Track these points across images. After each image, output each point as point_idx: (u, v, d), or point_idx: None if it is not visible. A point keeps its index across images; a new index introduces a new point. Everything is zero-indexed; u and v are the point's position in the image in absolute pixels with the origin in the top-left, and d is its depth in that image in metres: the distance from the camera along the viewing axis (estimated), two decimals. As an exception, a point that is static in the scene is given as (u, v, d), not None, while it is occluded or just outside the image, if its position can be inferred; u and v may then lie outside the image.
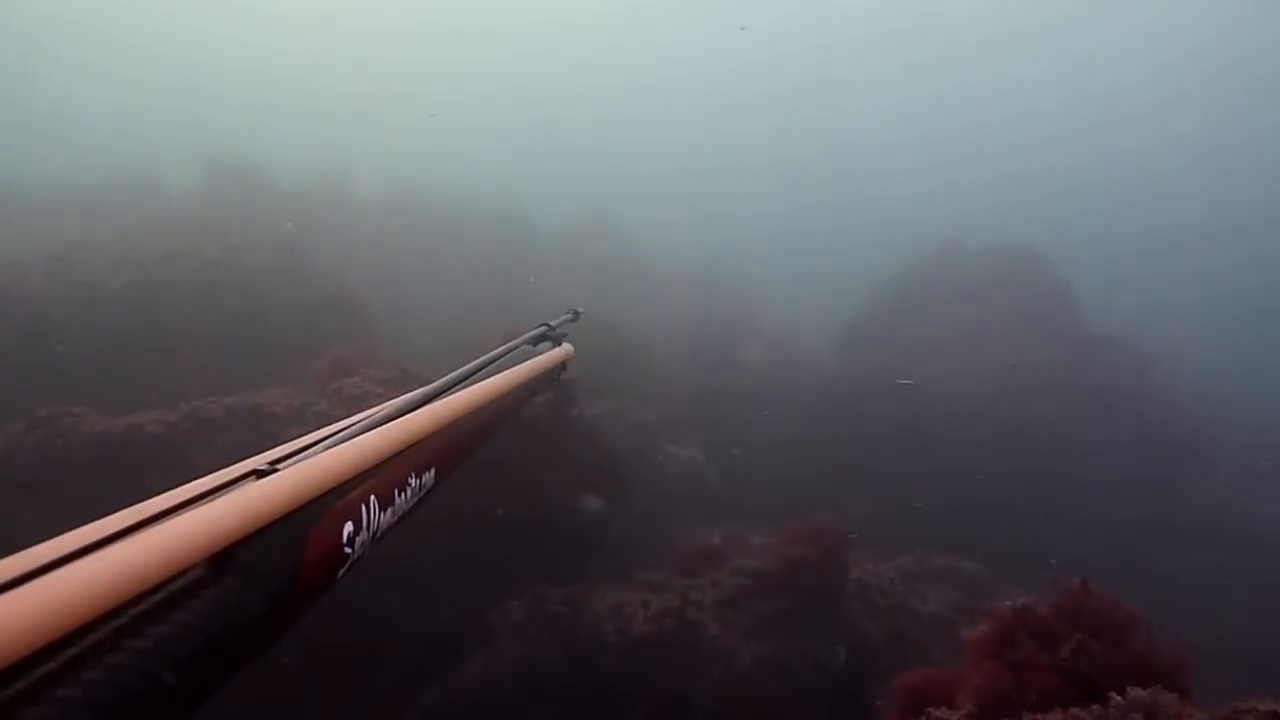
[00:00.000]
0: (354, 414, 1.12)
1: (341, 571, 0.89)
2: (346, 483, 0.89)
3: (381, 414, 1.09)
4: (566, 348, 2.07)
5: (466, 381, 1.39)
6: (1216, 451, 11.16)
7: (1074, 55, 38.81)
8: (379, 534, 0.97)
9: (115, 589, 0.55)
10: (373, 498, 0.95)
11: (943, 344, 11.13)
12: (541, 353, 1.90)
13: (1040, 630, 3.20)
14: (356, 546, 0.91)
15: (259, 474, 0.80)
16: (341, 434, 0.98)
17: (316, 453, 0.89)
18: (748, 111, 39.15)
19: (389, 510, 1.00)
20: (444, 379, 1.32)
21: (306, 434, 0.99)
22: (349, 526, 0.89)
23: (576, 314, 2.25)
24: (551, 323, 2.06)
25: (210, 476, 0.82)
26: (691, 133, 36.87)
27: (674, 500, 8.75)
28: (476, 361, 1.48)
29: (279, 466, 0.83)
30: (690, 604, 5.74)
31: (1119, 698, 2.40)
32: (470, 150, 28.40)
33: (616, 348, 10.80)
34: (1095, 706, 2.41)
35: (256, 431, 6.26)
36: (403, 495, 1.04)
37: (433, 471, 1.16)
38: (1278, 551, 9.01)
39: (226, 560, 0.68)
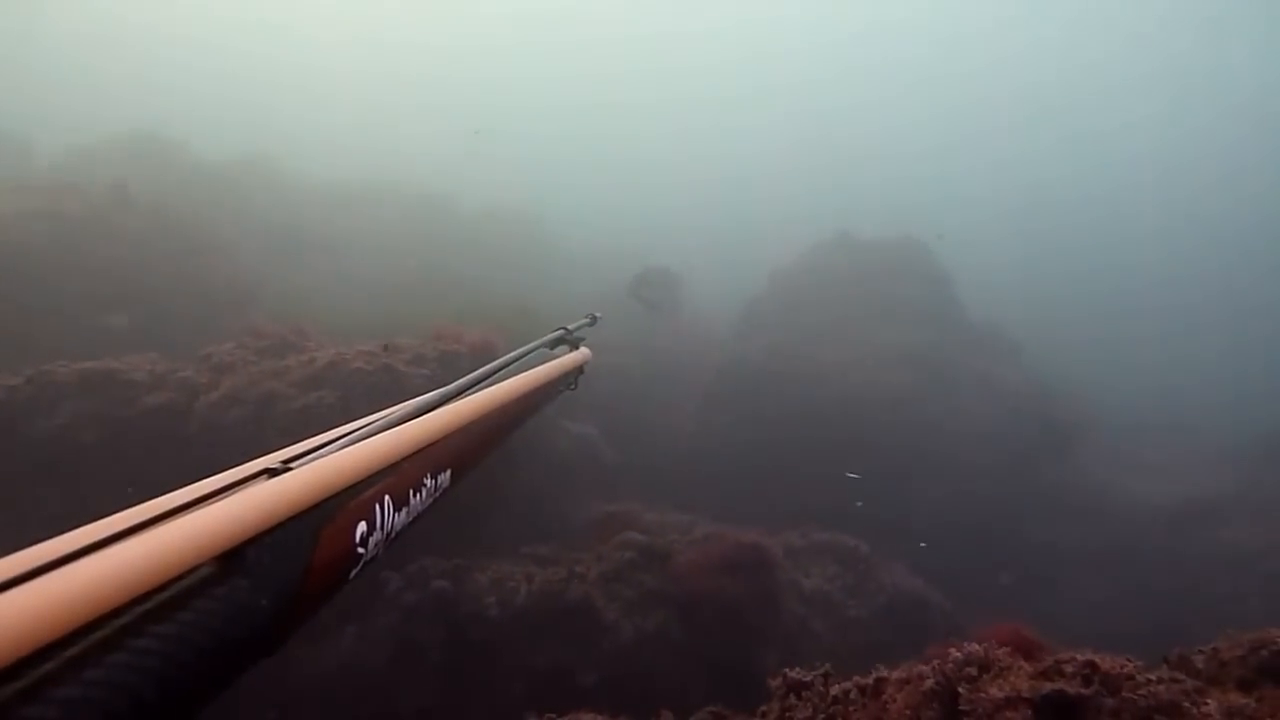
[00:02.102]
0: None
1: (354, 572, 0.89)
2: (360, 482, 0.89)
3: (398, 414, 1.09)
4: (584, 351, 2.11)
5: (484, 383, 1.40)
6: (1078, 432, 11.90)
7: (947, 49, 40.22)
8: (393, 534, 0.98)
9: (122, 587, 0.55)
10: (387, 498, 0.95)
11: (834, 329, 11.50)
12: (558, 356, 1.93)
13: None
14: (370, 547, 0.91)
15: (271, 472, 0.80)
16: (357, 433, 0.98)
17: (330, 451, 0.89)
18: (675, 107, 39.40)
19: (403, 511, 1.00)
20: (461, 380, 1.32)
21: (311, 436, 0.99)
22: (362, 526, 0.89)
23: (594, 318, 2.30)
24: (569, 326, 2.09)
25: (222, 475, 0.82)
26: (619, 127, 36.86)
27: (566, 476, 8.80)
28: (494, 364, 1.49)
29: (292, 465, 0.82)
30: (575, 577, 5.82)
31: (957, 652, 2.58)
32: (399, 133, 27.72)
33: (528, 330, 10.83)
34: (935, 661, 2.58)
35: (111, 398, 5.99)
36: (418, 496, 1.05)
37: (448, 472, 1.16)
38: (1127, 522, 9.84)
39: (236, 559, 0.68)
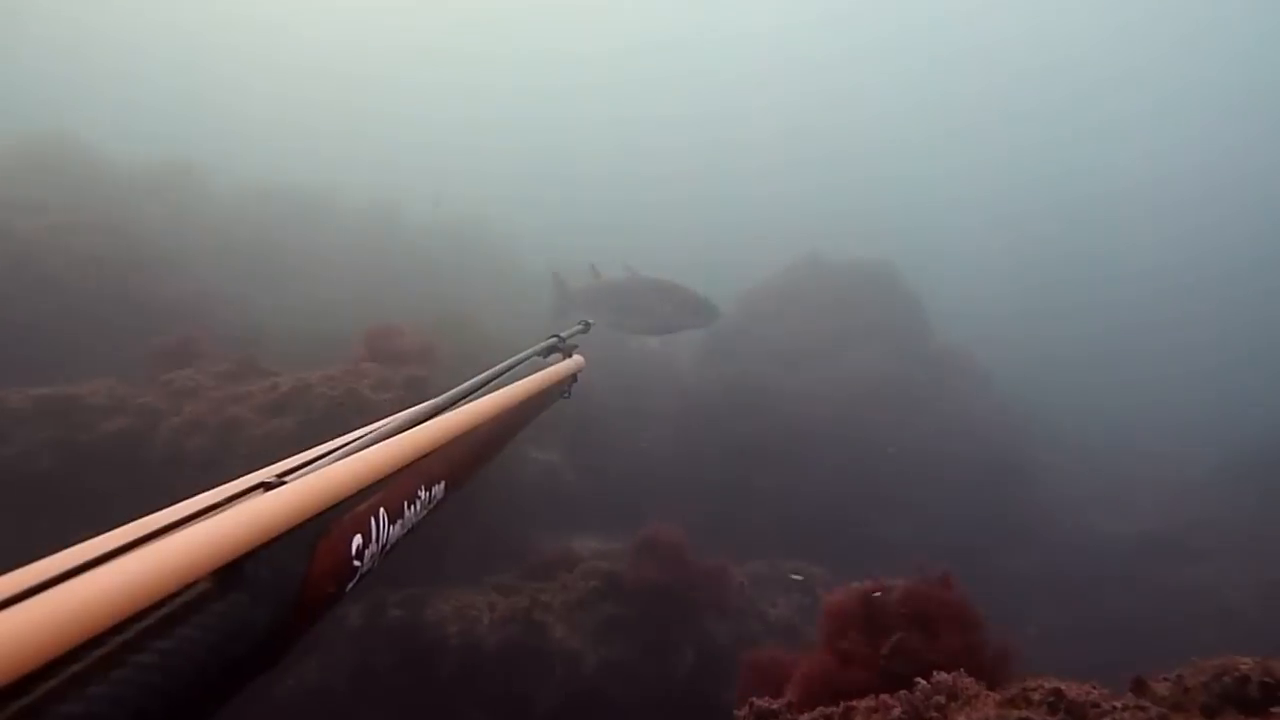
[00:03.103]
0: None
1: (350, 585, 0.90)
2: (356, 495, 0.89)
3: (392, 425, 1.09)
4: (578, 359, 2.10)
5: (477, 393, 1.39)
6: (1047, 461, 12.10)
7: (927, 73, 41.06)
8: (388, 546, 0.98)
9: (120, 603, 0.55)
10: (382, 510, 0.96)
11: (803, 355, 11.59)
12: (552, 364, 1.93)
13: (878, 620, 3.40)
14: (365, 559, 0.91)
15: (267, 486, 0.81)
16: (351, 446, 0.98)
17: (325, 465, 0.89)
18: (644, 124, 39.65)
19: (398, 523, 1.01)
20: (454, 390, 1.32)
21: (314, 446, 0.99)
22: (358, 539, 0.90)
23: (587, 325, 2.29)
24: (562, 334, 2.08)
25: (216, 490, 0.82)
26: (585, 144, 37.03)
27: (530, 504, 8.76)
28: (487, 373, 1.49)
29: (287, 479, 0.83)
30: (538, 606, 5.79)
31: (925, 682, 2.61)
32: (343, 143, 27.52)
33: (477, 347, 10.72)
34: (903, 692, 2.61)
35: (69, 425, 5.89)
36: (412, 508, 1.05)
37: (442, 484, 1.17)
38: (1092, 553, 10.01)
39: (233, 574, 0.68)
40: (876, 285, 12.97)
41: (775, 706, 2.89)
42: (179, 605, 0.63)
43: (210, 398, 6.18)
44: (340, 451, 0.96)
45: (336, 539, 0.86)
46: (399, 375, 6.92)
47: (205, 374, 6.62)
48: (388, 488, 0.98)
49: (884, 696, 2.69)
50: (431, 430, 1.13)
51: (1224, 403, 16.91)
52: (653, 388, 12.03)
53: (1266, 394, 16.18)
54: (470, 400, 1.34)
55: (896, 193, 33.56)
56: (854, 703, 2.73)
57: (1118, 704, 2.35)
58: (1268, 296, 24.37)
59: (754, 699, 2.93)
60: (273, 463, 0.94)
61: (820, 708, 2.82)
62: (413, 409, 1.20)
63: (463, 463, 1.27)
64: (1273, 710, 2.27)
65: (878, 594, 3.49)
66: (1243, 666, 2.38)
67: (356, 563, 0.89)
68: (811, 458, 10.20)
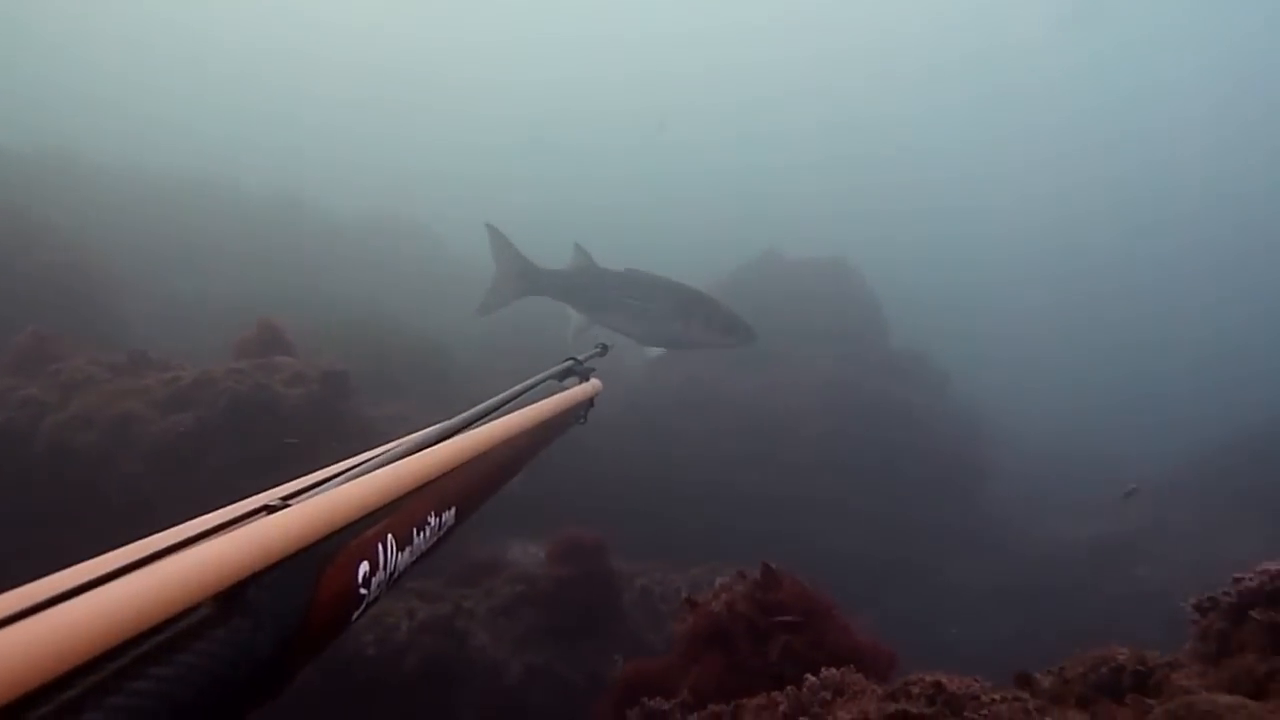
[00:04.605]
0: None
1: (356, 614, 0.88)
2: (362, 520, 0.88)
3: (401, 448, 1.08)
4: (595, 383, 2.08)
5: (490, 416, 1.37)
6: (999, 466, 12.28)
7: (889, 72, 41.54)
8: (395, 575, 0.96)
9: (118, 626, 0.54)
10: (390, 536, 0.94)
11: (756, 355, 11.65)
12: (568, 388, 1.91)
13: (748, 626, 3.43)
14: (372, 588, 0.90)
15: (270, 509, 0.79)
16: (358, 468, 0.97)
17: (332, 487, 0.88)
18: (603, 120, 39.65)
19: (407, 550, 0.99)
20: (466, 413, 1.31)
21: (321, 469, 0.98)
22: (365, 567, 0.88)
23: (605, 348, 2.29)
24: (579, 357, 2.07)
25: (219, 512, 0.81)
26: (535, 140, 36.86)
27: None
28: (500, 396, 1.48)
29: (291, 502, 0.81)
30: (461, 613, 5.76)
31: (813, 678, 2.65)
32: (250, 132, 27.13)
33: (407, 349, 10.71)
34: (790, 688, 2.64)
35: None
36: (421, 535, 1.03)
37: (453, 510, 1.15)
38: (1041, 559, 10.19)
39: (235, 599, 0.67)
40: (833, 283, 13.08)
41: (666, 706, 2.91)
42: (179, 630, 0.62)
43: (102, 391, 6.02)
44: (347, 475, 0.95)
45: (342, 565, 0.84)
46: (315, 369, 6.82)
47: (98, 365, 6.42)
48: (396, 513, 0.97)
49: (774, 694, 2.72)
50: (442, 454, 1.11)
51: (1181, 407, 17.27)
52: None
53: (1223, 399, 16.56)
54: (483, 424, 1.33)
55: (854, 190, 33.77)
56: (744, 700, 2.76)
57: (996, 696, 2.41)
58: (1223, 304, 24.95)
59: (645, 699, 2.95)
60: (273, 486, 0.93)
61: (711, 706, 2.85)
62: (423, 431, 1.18)
63: (475, 489, 1.26)
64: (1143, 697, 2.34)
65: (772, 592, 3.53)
66: (1119, 657, 2.45)
67: (363, 591, 0.88)
68: (764, 462, 10.27)
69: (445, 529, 1.13)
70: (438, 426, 1.22)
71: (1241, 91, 37.39)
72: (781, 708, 2.59)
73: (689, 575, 7.96)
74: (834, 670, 2.67)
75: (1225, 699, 2.09)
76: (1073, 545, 10.89)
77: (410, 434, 1.17)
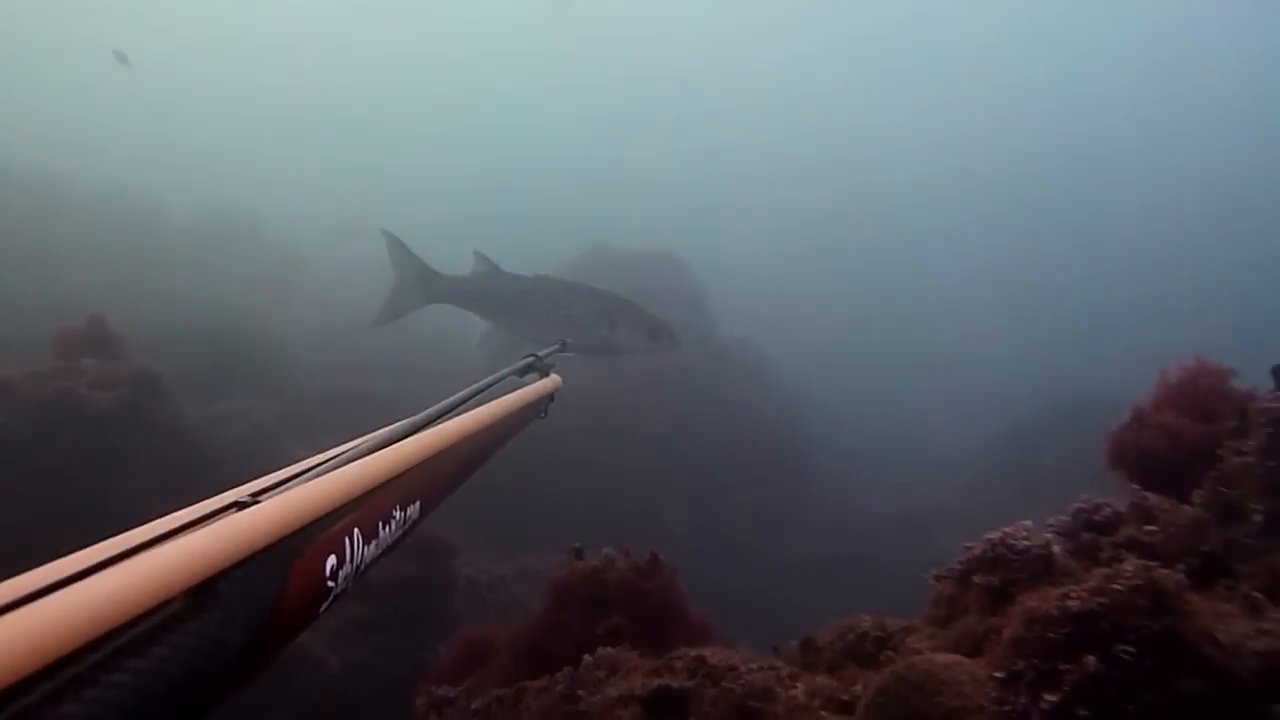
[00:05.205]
0: None
1: (324, 606, 0.89)
2: (330, 515, 0.89)
3: (367, 444, 1.10)
4: (554, 378, 2.09)
5: (453, 412, 1.38)
6: (819, 451, 12.91)
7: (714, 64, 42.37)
8: (362, 567, 0.98)
9: (92, 622, 0.55)
10: (356, 530, 0.96)
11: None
12: (529, 383, 1.92)
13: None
14: (339, 580, 0.91)
15: (240, 505, 0.80)
16: (325, 465, 0.99)
17: (300, 484, 0.89)
18: (429, 109, 38.75)
19: (373, 543, 1.00)
20: (430, 410, 1.31)
21: (289, 466, 0.99)
22: (332, 560, 0.89)
23: (564, 344, 2.30)
24: (539, 353, 2.08)
25: (190, 509, 0.81)
26: (363, 133, 35.63)
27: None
28: (463, 392, 1.48)
29: (261, 498, 0.83)
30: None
31: (589, 657, 2.77)
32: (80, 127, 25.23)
33: (248, 348, 10.39)
34: (567, 668, 2.75)
35: None
36: (387, 528, 1.05)
37: (417, 504, 1.17)
38: (858, 535, 10.84)
39: (207, 594, 0.68)
40: (662, 276, 13.32)
41: (452, 694, 2.97)
42: (152, 625, 0.63)
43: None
44: (314, 471, 0.96)
45: (310, 559, 0.86)
46: (124, 371, 6.53)
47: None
48: (362, 508, 0.98)
49: (555, 675, 2.82)
50: (407, 449, 1.14)
51: (990, 389, 18.50)
52: (446, 371, 11.93)
53: (1030, 380, 17.80)
54: (446, 419, 1.34)
55: (680, 184, 34.32)
56: (525, 684, 2.85)
57: (754, 666, 2.58)
58: (1028, 290, 26.82)
59: (432, 687, 3.00)
60: (244, 482, 0.94)
61: (495, 690, 2.92)
62: (388, 428, 1.20)
63: (438, 483, 1.29)
64: (881, 658, 2.56)
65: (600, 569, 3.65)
66: (863, 624, 2.66)
67: (331, 583, 0.90)
68: (597, 449, 10.40)
69: (410, 523, 1.16)
70: (403, 422, 1.25)
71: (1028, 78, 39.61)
72: (559, 688, 2.69)
73: (515, 562, 8.05)
74: (610, 649, 2.78)
75: (943, 658, 2.32)
76: (885, 519, 11.58)
77: (377, 429, 1.19)
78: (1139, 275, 27.01)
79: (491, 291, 7.64)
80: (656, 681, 2.50)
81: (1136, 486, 2.75)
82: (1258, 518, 2.37)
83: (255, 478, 0.96)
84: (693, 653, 2.62)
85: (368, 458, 1.06)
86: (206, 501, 0.87)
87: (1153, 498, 2.64)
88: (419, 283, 7.33)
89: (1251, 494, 2.41)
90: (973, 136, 36.77)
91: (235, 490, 0.90)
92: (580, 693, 2.59)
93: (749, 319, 15.30)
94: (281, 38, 38.75)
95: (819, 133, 38.75)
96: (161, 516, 0.81)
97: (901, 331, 23.32)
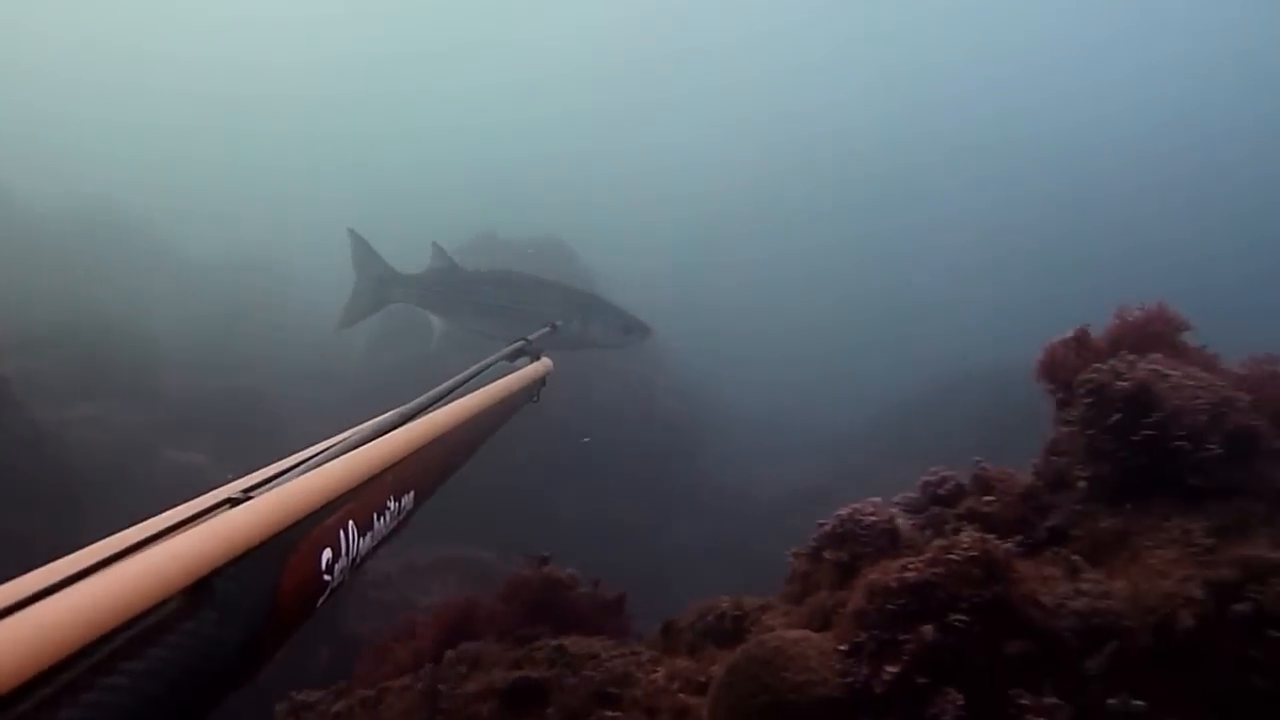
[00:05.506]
0: None
1: (321, 600, 0.88)
2: (324, 508, 0.88)
3: (358, 435, 1.09)
4: (545, 362, 2.08)
5: (444, 400, 1.37)
6: (715, 434, 13.11)
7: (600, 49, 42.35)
8: (358, 559, 0.97)
9: (89, 624, 0.54)
10: (351, 523, 0.95)
11: (470, 339, 11.69)
12: (520, 368, 1.91)
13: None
14: (336, 573, 0.91)
15: (233, 502, 0.79)
16: (317, 458, 0.97)
17: (292, 478, 0.88)
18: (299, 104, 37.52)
19: (368, 535, 0.99)
20: (421, 398, 1.30)
21: (281, 460, 0.98)
22: (327, 553, 0.89)
23: (554, 327, 2.33)
24: (529, 337, 2.06)
25: (182, 507, 0.80)
26: (236, 123, 34.16)
27: (166, 507, 8.16)
28: (454, 380, 1.47)
29: (253, 494, 0.81)
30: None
31: (451, 652, 2.74)
32: None
33: (114, 348, 9.91)
34: (428, 665, 2.73)
35: None
36: (382, 519, 1.04)
37: (412, 494, 1.17)
38: (747, 515, 11.05)
39: (203, 592, 0.67)
40: (550, 264, 13.27)
41: (314, 698, 2.91)
42: (148, 626, 0.62)
43: None
44: (306, 465, 0.95)
45: (306, 553, 0.85)
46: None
47: None
48: (356, 500, 0.96)
49: (418, 673, 2.79)
50: (398, 439, 1.13)
51: (876, 370, 19.07)
52: (328, 371, 11.68)
53: (913, 360, 18.41)
54: (437, 407, 1.33)
55: (566, 169, 34.19)
56: (388, 684, 2.81)
57: (615, 653, 2.60)
58: (903, 281, 27.56)
59: (294, 692, 2.94)
60: (238, 477, 0.92)
61: (359, 691, 2.87)
62: (379, 418, 1.19)
63: (432, 472, 1.28)
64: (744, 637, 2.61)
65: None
66: (721, 604, 2.70)
67: (327, 577, 0.88)
68: (491, 439, 10.32)
69: (405, 512, 1.15)
70: (394, 412, 1.24)
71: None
72: (419, 686, 2.66)
73: (402, 559, 7.91)
74: (473, 644, 2.77)
75: (792, 634, 2.38)
76: (776, 500, 11.82)
77: (364, 422, 1.18)
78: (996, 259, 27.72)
79: (453, 287, 7.36)
80: (516, 674, 2.50)
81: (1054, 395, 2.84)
82: (1082, 484, 2.50)
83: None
84: (553, 642, 2.62)
85: (359, 449, 1.05)
86: (198, 499, 0.86)
87: (992, 469, 2.76)
88: (379, 283, 7.12)
89: (1077, 462, 2.55)
90: (851, 135, 37.51)
91: (227, 486, 0.89)
92: (440, 688, 2.56)
93: (641, 306, 15.37)
94: (133, 39, 36.89)
95: (715, 124, 39.09)
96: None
97: (796, 319, 23.82)
